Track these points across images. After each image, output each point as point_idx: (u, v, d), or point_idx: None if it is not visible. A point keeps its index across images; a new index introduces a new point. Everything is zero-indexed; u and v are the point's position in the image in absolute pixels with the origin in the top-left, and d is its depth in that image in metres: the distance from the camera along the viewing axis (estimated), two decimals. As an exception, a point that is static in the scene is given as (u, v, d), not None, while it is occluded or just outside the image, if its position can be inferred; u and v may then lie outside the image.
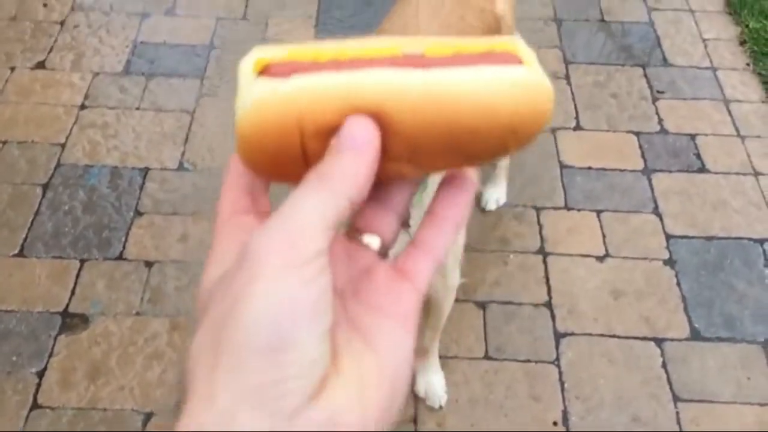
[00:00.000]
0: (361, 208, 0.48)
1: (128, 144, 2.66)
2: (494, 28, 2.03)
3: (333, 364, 0.39)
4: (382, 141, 0.43)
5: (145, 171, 2.57)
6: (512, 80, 0.46)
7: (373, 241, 0.47)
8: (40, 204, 2.45)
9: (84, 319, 2.17)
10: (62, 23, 3.08)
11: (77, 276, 2.26)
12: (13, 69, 2.88)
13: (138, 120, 2.74)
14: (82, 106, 2.76)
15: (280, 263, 0.38)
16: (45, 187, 2.50)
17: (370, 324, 0.43)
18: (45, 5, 3.15)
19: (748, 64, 3.01)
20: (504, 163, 2.47)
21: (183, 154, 2.63)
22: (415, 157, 0.46)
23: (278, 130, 0.44)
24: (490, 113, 0.45)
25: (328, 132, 0.44)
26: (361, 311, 0.43)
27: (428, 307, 1.97)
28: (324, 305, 0.39)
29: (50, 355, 2.09)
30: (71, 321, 2.16)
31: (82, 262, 2.30)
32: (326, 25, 3.17)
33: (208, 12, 3.20)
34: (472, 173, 0.49)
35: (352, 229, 0.48)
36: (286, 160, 0.46)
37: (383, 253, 0.48)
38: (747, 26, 3.11)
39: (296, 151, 0.45)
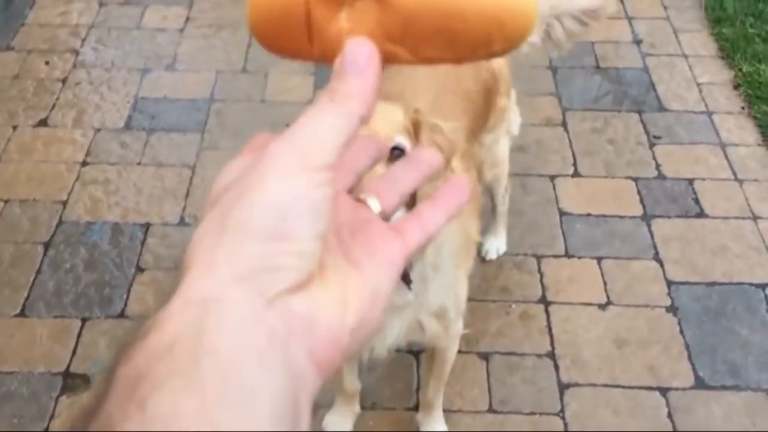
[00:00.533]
0: (372, 181, 0.54)
1: (129, 200, 2.68)
2: (491, 84, 2.06)
3: (320, 273, 0.43)
4: (379, 16, 0.49)
5: (147, 226, 2.58)
6: None
7: (374, 203, 0.52)
8: (41, 262, 2.46)
9: (85, 380, 2.16)
10: (64, 80, 3.12)
11: (78, 335, 2.26)
12: (15, 127, 2.91)
13: (139, 175, 2.76)
14: (84, 163, 2.79)
15: (292, 165, 0.42)
16: (47, 245, 2.51)
17: (360, 255, 0.47)
18: (47, 63, 3.19)
19: (743, 108, 3.04)
20: (503, 210, 2.48)
21: (184, 208, 2.65)
22: (408, 39, 0.50)
23: None
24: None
25: None
26: (353, 245, 0.47)
27: (432, 356, 1.97)
28: (324, 209, 0.42)
29: (51, 417, 2.08)
30: (72, 382, 2.16)
31: (84, 320, 2.30)
32: (325, 76, 3.20)
33: (208, 66, 3.24)
34: (466, 181, 0.55)
35: (359, 190, 0.53)
36: (291, 28, 0.50)
37: (383, 218, 0.53)
38: (740, 70, 3.15)
39: (301, 18, 0.50)
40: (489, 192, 2.35)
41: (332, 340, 0.42)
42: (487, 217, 2.45)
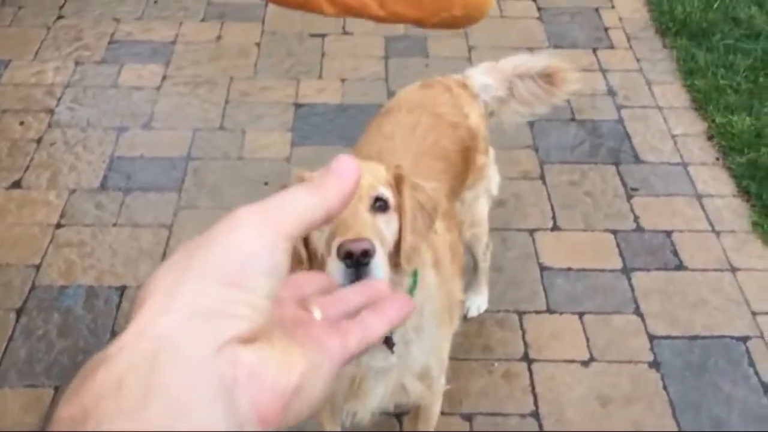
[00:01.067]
0: (320, 299, 0.56)
1: (105, 262, 2.64)
2: (469, 143, 2.06)
3: (266, 336, 0.44)
4: None
5: (122, 289, 2.54)
6: None
7: (317, 312, 0.53)
8: (14, 330, 2.40)
9: (58, 452, 2.10)
10: (39, 141, 3.10)
11: (51, 405, 2.20)
12: (-12, 190, 2.88)
13: (115, 236, 2.73)
14: (58, 225, 2.75)
15: (261, 224, 0.45)
16: (19, 311, 2.46)
17: (302, 339, 0.48)
18: (21, 123, 3.17)
19: (717, 159, 3.07)
20: (484, 267, 2.47)
21: (160, 270, 2.61)
22: None
23: None
24: None
25: None
26: (295, 333, 0.49)
27: (416, 417, 1.94)
28: (280, 273, 0.45)
29: (23, 493, 2.01)
30: (45, 454, 2.09)
31: (56, 389, 2.24)
32: (302, 132, 3.21)
33: (185, 123, 3.23)
34: (412, 301, 0.57)
35: (305, 303, 0.55)
36: None
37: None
38: (713, 121, 3.19)
39: None
40: (469, 250, 2.34)
41: (276, 396, 0.43)
42: (469, 274, 2.43)
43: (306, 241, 1.45)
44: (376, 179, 1.45)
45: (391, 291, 0.58)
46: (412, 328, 1.63)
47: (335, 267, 1.32)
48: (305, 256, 1.45)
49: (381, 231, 1.40)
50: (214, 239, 0.44)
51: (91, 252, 2.67)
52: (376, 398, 1.69)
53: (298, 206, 0.47)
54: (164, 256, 2.65)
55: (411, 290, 1.57)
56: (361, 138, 2.04)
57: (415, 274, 1.58)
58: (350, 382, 1.66)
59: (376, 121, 2.06)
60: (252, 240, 0.44)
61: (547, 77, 2.20)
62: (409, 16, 1.28)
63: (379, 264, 1.34)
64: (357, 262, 1.31)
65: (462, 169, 2.03)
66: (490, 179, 2.25)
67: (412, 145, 1.92)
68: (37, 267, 2.59)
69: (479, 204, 2.21)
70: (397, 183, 1.48)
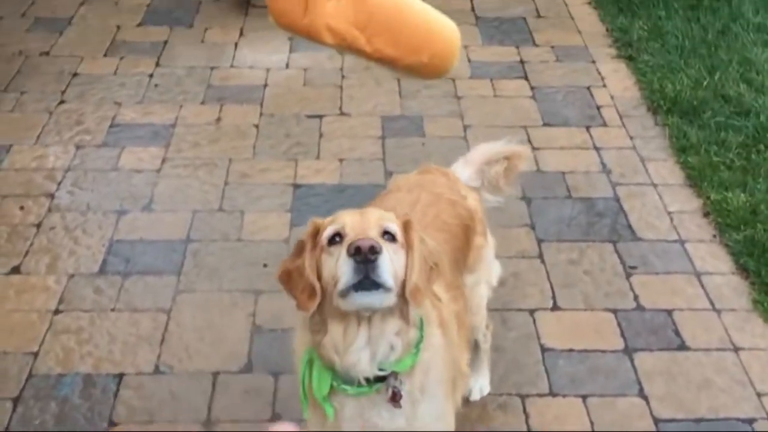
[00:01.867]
0: None
1: (102, 348, 2.61)
2: (468, 222, 2.11)
3: None
4: (354, 5, 1.28)
5: (120, 377, 2.51)
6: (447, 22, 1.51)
7: None
8: (10, 419, 2.36)
9: None
10: (39, 225, 3.11)
11: (47, 500, 2.15)
12: (-13, 276, 2.87)
13: (113, 322, 2.71)
14: (57, 311, 2.73)
15: None
16: (16, 400, 2.42)
17: None
18: (22, 208, 3.18)
19: (714, 236, 3.09)
20: (486, 348, 2.46)
21: (159, 356, 2.58)
22: (369, 28, 1.01)
23: None
24: (425, 20, 1.28)
25: None
26: None
27: None
28: None
29: None
30: None
31: (53, 482, 2.20)
32: (301, 212, 3.22)
33: (185, 206, 3.25)
34: None
35: None
36: (294, 5, 0.92)
37: None
38: (708, 198, 3.22)
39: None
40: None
41: None
42: (471, 354, 2.42)
43: (319, 273, 1.56)
44: (385, 217, 1.57)
45: None
46: (417, 388, 1.65)
47: (345, 264, 1.47)
48: (318, 288, 1.55)
49: (389, 252, 1.51)
50: None
51: (89, 338, 2.64)
52: None
53: None
54: (163, 341, 2.64)
55: (418, 344, 1.62)
56: None
57: (421, 327, 1.63)
58: None
59: (377, 200, 2.12)
60: None
61: (508, 159, 2.37)
62: (387, 53, 1.60)
63: (386, 263, 1.47)
64: (365, 259, 1.44)
65: (463, 244, 2.07)
66: (491, 268, 2.28)
67: (414, 218, 1.95)
68: (35, 354, 2.57)
69: (479, 291, 2.23)
70: (406, 227, 1.59)
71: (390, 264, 1.49)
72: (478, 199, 2.25)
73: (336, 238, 1.54)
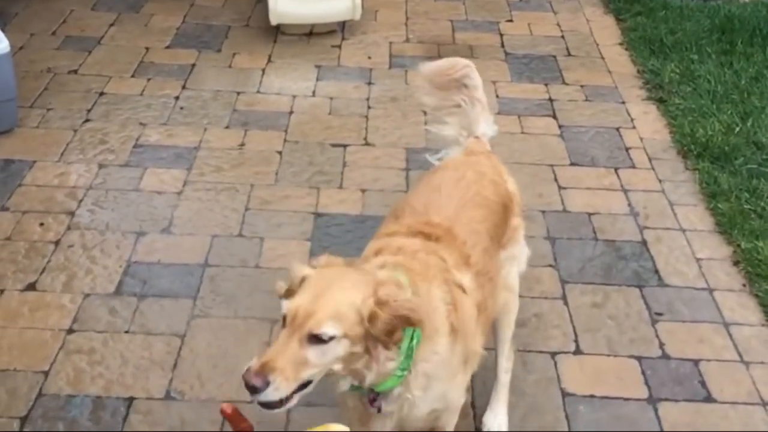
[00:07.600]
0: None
1: (114, 371, 2.56)
2: (507, 202, 2.26)
3: None
4: None
5: (130, 401, 2.46)
6: None
7: None
8: (16, 440, 2.32)
9: None
10: (57, 243, 3.08)
11: None
12: (2, 291, 2.84)
13: (126, 344, 2.66)
14: (70, 330, 2.69)
15: None
16: (24, 419, 2.37)
17: None
18: (41, 224, 3.16)
19: (744, 285, 3.01)
20: (504, 381, 2.43)
21: (171, 381, 2.53)
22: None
23: None
24: None
25: None
26: None
27: None
28: None
29: None
30: None
31: (55, 508, 2.14)
32: (321, 242, 3.18)
33: (204, 230, 3.22)
34: None
35: None
36: None
37: None
38: (739, 246, 3.14)
39: None
40: (495, 331, 2.35)
41: None
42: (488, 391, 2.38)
43: None
44: (331, 315, 1.65)
45: None
46: (418, 388, 1.82)
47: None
48: None
49: (306, 361, 1.64)
50: None
51: (101, 360, 2.60)
52: None
53: None
54: (175, 366, 2.58)
55: (403, 369, 1.75)
56: (410, 191, 2.27)
57: (410, 355, 1.74)
58: None
59: (425, 177, 2.33)
60: None
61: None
62: None
63: (270, 392, 1.62)
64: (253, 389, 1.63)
65: (501, 221, 2.21)
66: (522, 249, 2.38)
67: (456, 195, 2.13)
68: (46, 374, 2.52)
69: (512, 268, 2.32)
70: (380, 306, 1.66)
71: (276, 392, 1.62)
72: (516, 185, 2.37)
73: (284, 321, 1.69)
